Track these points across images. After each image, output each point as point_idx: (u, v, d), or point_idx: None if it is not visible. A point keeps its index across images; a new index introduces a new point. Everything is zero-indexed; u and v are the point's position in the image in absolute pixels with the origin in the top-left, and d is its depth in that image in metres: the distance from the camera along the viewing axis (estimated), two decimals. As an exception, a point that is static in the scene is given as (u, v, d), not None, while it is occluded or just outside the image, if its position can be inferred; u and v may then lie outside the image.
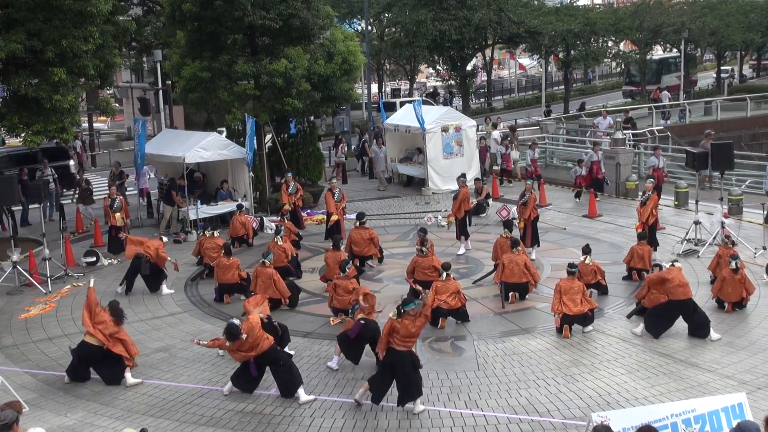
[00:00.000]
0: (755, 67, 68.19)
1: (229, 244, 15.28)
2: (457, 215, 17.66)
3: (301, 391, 10.50)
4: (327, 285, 14.33)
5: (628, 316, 13.17)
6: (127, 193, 22.42)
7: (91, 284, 11.98)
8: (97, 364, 11.44)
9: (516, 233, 16.10)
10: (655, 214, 16.91)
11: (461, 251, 17.47)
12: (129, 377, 11.38)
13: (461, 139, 24.38)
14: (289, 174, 20.42)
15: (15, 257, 16.19)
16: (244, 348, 10.47)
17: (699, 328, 12.29)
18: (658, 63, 55.20)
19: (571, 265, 12.93)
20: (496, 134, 26.99)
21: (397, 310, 10.14)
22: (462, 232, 17.71)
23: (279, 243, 15.36)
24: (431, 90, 58.14)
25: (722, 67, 60.39)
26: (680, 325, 12.39)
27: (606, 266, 14.90)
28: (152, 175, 22.78)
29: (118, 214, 18.41)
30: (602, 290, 14.31)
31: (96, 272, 16.51)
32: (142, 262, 15.52)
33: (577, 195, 22.92)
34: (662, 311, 12.39)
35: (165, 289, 15.66)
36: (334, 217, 18.51)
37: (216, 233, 16.46)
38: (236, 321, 10.59)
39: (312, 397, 10.54)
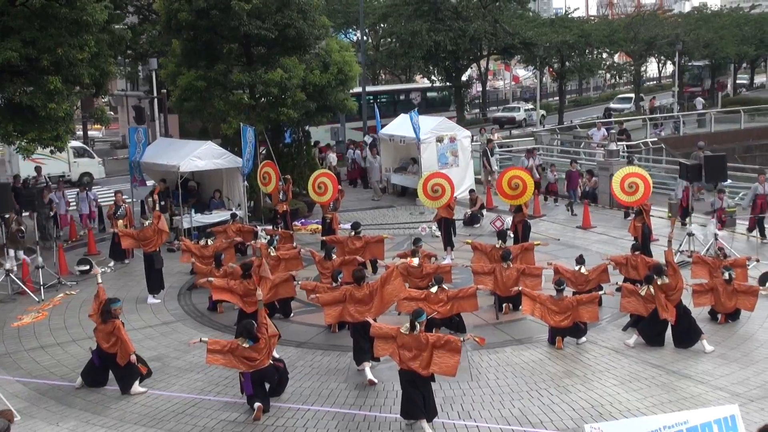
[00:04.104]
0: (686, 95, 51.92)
1: (220, 255, 15.20)
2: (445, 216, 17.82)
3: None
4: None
5: (624, 329, 13.16)
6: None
7: (99, 280, 11.97)
8: (116, 369, 11.38)
9: (509, 243, 16.13)
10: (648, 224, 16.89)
11: (446, 261, 17.46)
12: (136, 385, 11.33)
13: (456, 149, 24.39)
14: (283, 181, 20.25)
15: (8, 265, 16.15)
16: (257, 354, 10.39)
17: (683, 337, 12.28)
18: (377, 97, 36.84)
19: (558, 283, 12.83)
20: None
21: (411, 324, 9.87)
22: (447, 243, 17.74)
23: (272, 254, 15.28)
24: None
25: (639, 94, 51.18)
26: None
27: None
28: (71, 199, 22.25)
29: (120, 222, 18.30)
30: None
31: (91, 281, 16.43)
32: (155, 257, 15.57)
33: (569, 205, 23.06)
34: (652, 317, 12.41)
35: (151, 298, 15.66)
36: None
37: (209, 242, 16.41)
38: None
39: None
